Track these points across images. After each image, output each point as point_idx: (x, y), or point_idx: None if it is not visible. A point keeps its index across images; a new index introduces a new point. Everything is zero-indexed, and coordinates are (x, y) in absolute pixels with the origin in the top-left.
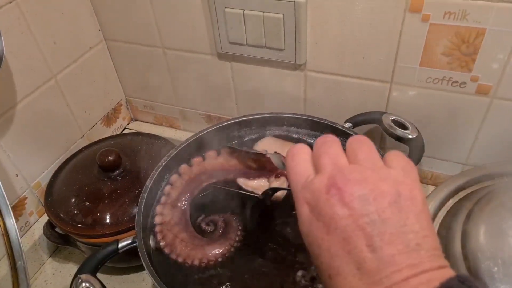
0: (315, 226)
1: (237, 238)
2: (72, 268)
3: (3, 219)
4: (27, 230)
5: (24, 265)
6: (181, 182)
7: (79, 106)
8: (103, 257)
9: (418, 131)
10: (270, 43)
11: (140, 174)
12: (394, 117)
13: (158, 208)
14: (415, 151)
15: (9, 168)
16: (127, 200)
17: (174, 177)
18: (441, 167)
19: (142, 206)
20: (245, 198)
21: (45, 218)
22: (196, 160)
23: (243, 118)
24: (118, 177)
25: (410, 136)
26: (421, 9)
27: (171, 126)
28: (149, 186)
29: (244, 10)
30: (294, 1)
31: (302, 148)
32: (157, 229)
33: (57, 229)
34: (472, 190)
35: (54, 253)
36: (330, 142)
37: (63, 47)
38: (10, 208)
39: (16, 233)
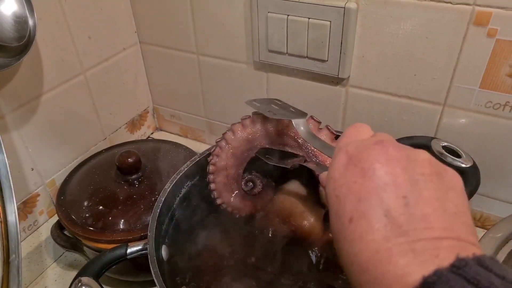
0: (350, 170)
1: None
2: None
3: (3, 204)
4: (35, 230)
5: (19, 259)
6: (226, 152)
7: (105, 107)
8: (109, 260)
9: (473, 160)
10: (313, 53)
11: (159, 180)
12: (445, 143)
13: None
14: (469, 183)
15: (25, 161)
16: (142, 207)
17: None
18: (493, 208)
19: (158, 211)
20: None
21: (54, 219)
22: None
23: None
24: (136, 181)
25: (464, 165)
26: (488, 23)
27: (195, 139)
28: (168, 190)
29: (288, 15)
30: (344, 7)
31: (367, 127)
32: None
33: (65, 232)
34: None
35: (59, 258)
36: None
37: (97, 43)
38: (13, 192)
39: (16, 222)
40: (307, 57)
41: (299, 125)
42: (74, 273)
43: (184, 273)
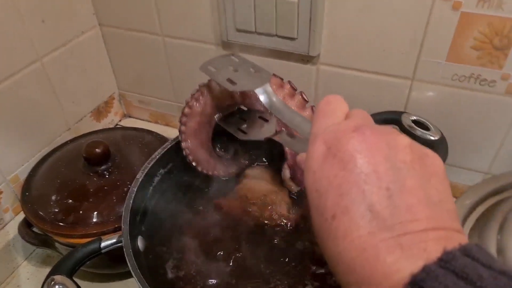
0: (329, 162)
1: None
2: None
3: None
4: (1, 229)
5: None
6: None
7: (66, 96)
8: (83, 256)
9: (442, 133)
10: (282, 31)
11: (131, 170)
12: (414, 117)
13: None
14: (439, 155)
15: None
16: (114, 198)
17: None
18: (460, 177)
19: (131, 202)
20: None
21: (21, 216)
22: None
23: (244, 109)
24: (105, 172)
25: (433, 138)
26: None
27: (167, 125)
28: (140, 179)
29: None
30: None
31: (341, 100)
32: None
33: (34, 229)
34: (503, 197)
35: (30, 255)
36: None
37: (52, 27)
38: None
39: None
40: (276, 35)
41: (263, 94)
42: (47, 270)
43: (163, 262)
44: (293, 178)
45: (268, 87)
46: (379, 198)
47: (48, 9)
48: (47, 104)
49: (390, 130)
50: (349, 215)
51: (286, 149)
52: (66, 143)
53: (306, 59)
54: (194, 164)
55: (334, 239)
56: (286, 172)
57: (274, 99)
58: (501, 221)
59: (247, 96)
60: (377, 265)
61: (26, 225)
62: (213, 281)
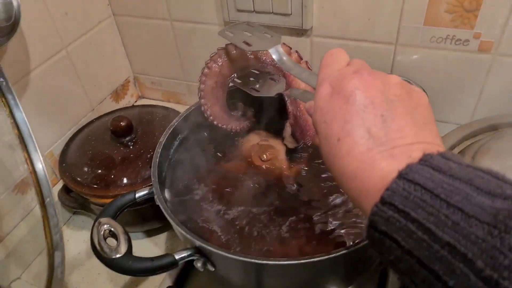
0: (335, 98)
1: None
2: (86, 234)
3: (29, 155)
4: (36, 205)
5: (52, 201)
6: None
7: (89, 80)
8: (121, 204)
9: (424, 90)
10: (277, 8)
11: (152, 139)
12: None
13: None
14: None
15: None
16: (140, 163)
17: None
18: (444, 131)
19: (157, 160)
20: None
21: (58, 187)
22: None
23: (257, 72)
24: (130, 142)
25: None
26: None
27: (178, 103)
28: (163, 142)
29: None
30: None
31: (342, 51)
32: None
33: (72, 194)
34: (478, 139)
35: (68, 221)
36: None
37: (74, 19)
38: (36, 144)
39: (43, 169)
40: (272, 12)
41: (275, 54)
42: (84, 232)
43: (185, 212)
44: (293, 135)
45: (280, 48)
46: (376, 122)
47: (70, 3)
48: (72, 88)
49: (384, 73)
50: (351, 137)
51: (289, 109)
52: (92, 122)
53: (301, 32)
54: (211, 118)
55: (339, 157)
56: (288, 129)
57: (284, 58)
58: (473, 155)
59: (260, 60)
60: (373, 171)
61: (65, 191)
62: (237, 221)
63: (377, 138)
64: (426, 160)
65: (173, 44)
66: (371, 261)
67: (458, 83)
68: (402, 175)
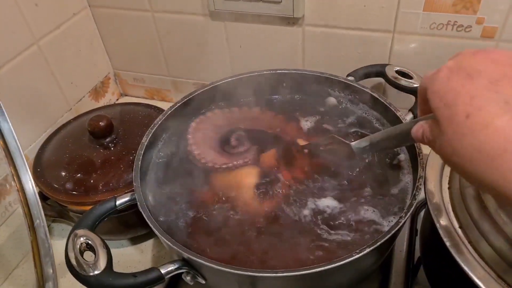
0: (454, 79)
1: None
2: None
3: (17, 174)
4: (17, 208)
5: (43, 223)
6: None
7: (65, 77)
8: (100, 213)
9: None
10: None
11: (134, 140)
12: (398, 68)
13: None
14: None
15: None
16: (121, 167)
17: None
18: None
19: (139, 163)
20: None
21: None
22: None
23: (240, 76)
24: (110, 144)
25: (416, 85)
26: None
27: (163, 100)
28: (145, 143)
29: None
30: None
31: None
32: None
33: (48, 202)
34: None
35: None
36: None
37: (45, 10)
38: (25, 162)
39: (33, 189)
40: (261, 0)
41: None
42: (63, 242)
43: (171, 217)
44: None
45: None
46: None
47: None
48: (47, 86)
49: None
50: (486, 110)
51: None
52: (69, 122)
53: (292, 21)
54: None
55: (472, 134)
56: None
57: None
58: None
59: None
60: None
61: (41, 199)
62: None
63: None
64: None
65: (155, 37)
66: (368, 271)
67: None
68: None
